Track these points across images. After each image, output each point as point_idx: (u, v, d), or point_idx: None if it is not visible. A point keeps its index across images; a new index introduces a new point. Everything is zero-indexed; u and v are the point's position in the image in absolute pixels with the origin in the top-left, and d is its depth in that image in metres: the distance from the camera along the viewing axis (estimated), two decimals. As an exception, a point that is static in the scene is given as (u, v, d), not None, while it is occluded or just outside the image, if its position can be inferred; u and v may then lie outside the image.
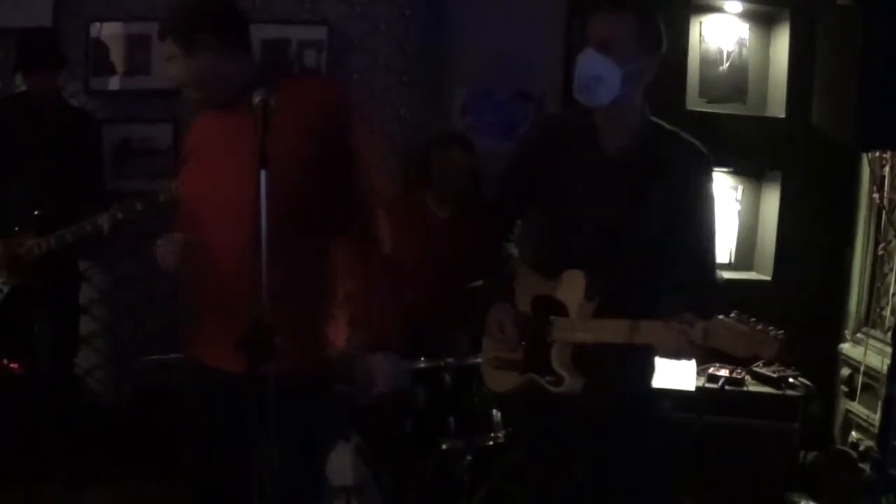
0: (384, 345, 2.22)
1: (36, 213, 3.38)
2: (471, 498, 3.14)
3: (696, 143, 2.25)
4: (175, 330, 2.54)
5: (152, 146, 4.08)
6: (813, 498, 3.54)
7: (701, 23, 4.26)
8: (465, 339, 3.22)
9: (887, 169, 3.78)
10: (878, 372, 3.55)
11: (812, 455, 3.70)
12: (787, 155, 4.16)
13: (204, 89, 2.19)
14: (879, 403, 3.36)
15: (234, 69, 2.18)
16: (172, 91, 2.39)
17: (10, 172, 3.56)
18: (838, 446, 3.82)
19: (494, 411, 3.12)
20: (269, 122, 1.90)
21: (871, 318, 3.91)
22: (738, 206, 4.39)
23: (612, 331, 2.13)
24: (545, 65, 4.01)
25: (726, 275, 4.07)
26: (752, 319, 1.88)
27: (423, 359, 3.15)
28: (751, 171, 4.37)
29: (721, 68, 4.30)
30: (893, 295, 3.72)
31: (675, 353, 2.01)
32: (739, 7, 4.26)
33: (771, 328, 1.87)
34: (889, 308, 3.75)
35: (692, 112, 4.15)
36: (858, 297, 4.00)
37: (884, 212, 3.80)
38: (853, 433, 3.80)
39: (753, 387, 3.67)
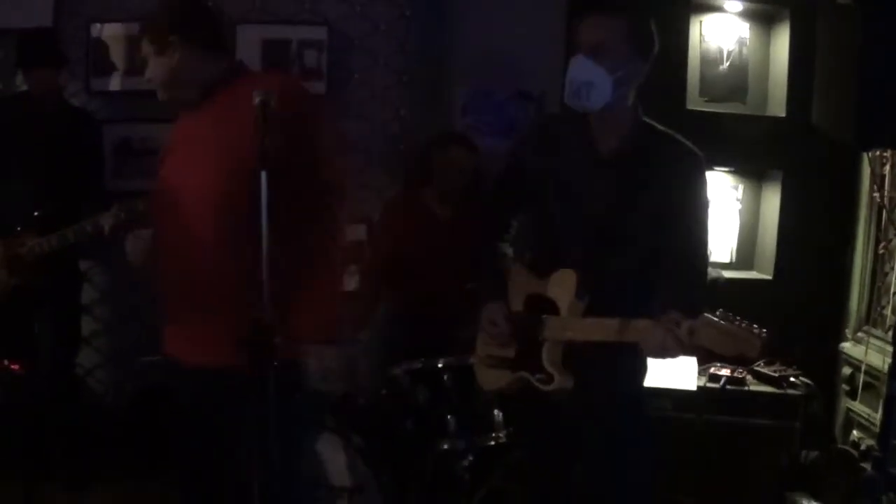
0: (326, 339, 2.21)
1: (36, 213, 3.38)
2: (471, 498, 3.14)
3: (689, 144, 2.26)
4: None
5: (153, 146, 4.07)
6: (814, 497, 3.53)
7: (701, 22, 4.26)
8: (466, 339, 3.22)
9: (887, 168, 3.78)
10: (879, 371, 3.55)
11: (813, 454, 3.70)
12: (787, 154, 4.16)
13: (174, 88, 2.27)
14: (880, 402, 3.35)
15: (203, 69, 2.24)
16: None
17: (11, 172, 3.56)
18: (839, 445, 3.82)
19: (496, 411, 3.11)
20: (269, 123, 1.94)
21: (872, 317, 3.90)
22: (738, 206, 4.39)
23: (602, 329, 2.14)
24: (545, 65, 4.00)
25: (727, 274, 4.08)
26: (738, 318, 1.88)
27: (422, 359, 3.15)
28: (751, 171, 4.36)
29: (721, 67, 4.30)
30: (894, 294, 3.72)
31: (662, 352, 2.02)
32: (739, 6, 4.26)
33: (755, 327, 1.86)
34: (890, 307, 3.75)
35: (692, 111, 4.15)
36: (859, 296, 4.00)
37: (884, 210, 3.80)
38: (854, 432, 3.79)
39: (755, 386, 3.66)
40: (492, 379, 2.48)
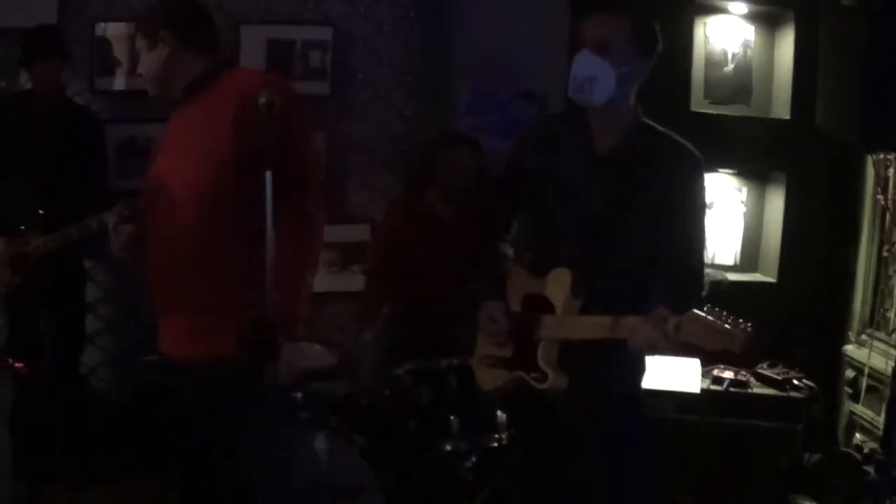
0: (290, 335, 2.20)
1: (41, 211, 3.38)
2: (473, 499, 3.13)
3: (689, 145, 2.26)
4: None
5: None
6: (816, 500, 3.53)
7: (705, 24, 4.26)
8: (467, 339, 3.22)
9: (891, 170, 3.78)
10: (882, 374, 3.55)
11: (816, 457, 3.70)
12: (791, 156, 4.16)
13: (163, 84, 2.32)
14: (883, 405, 3.34)
15: (191, 66, 2.29)
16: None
17: (13, 170, 3.56)
18: (842, 448, 3.81)
19: (499, 412, 3.11)
20: (270, 123, 1.96)
21: (875, 320, 3.90)
22: (742, 208, 4.39)
23: (595, 327, 2.14)
24: (548, 65, 4.00)
25: (731, 276, 4.08)
26: (724, 314, 1.88)
27: (425, 359, 3.15)
28: (755, 173, 4.36)
29: (726, 69, 4.30)
30: (898, 297, 3.72)
31: (650, 348, 2.02)
32: (744, 8, 4.26)
33: (741, 321, 1.86)
34: (893, 310, 3.74)
35: (696, 113, 4.15)
36: (863, 299, 3.99)
37: (888, 213, 3.80)
38: (857, 435, 3.79)
39: (758, 388, 3.67)
40: (490, 378, 2.49)
